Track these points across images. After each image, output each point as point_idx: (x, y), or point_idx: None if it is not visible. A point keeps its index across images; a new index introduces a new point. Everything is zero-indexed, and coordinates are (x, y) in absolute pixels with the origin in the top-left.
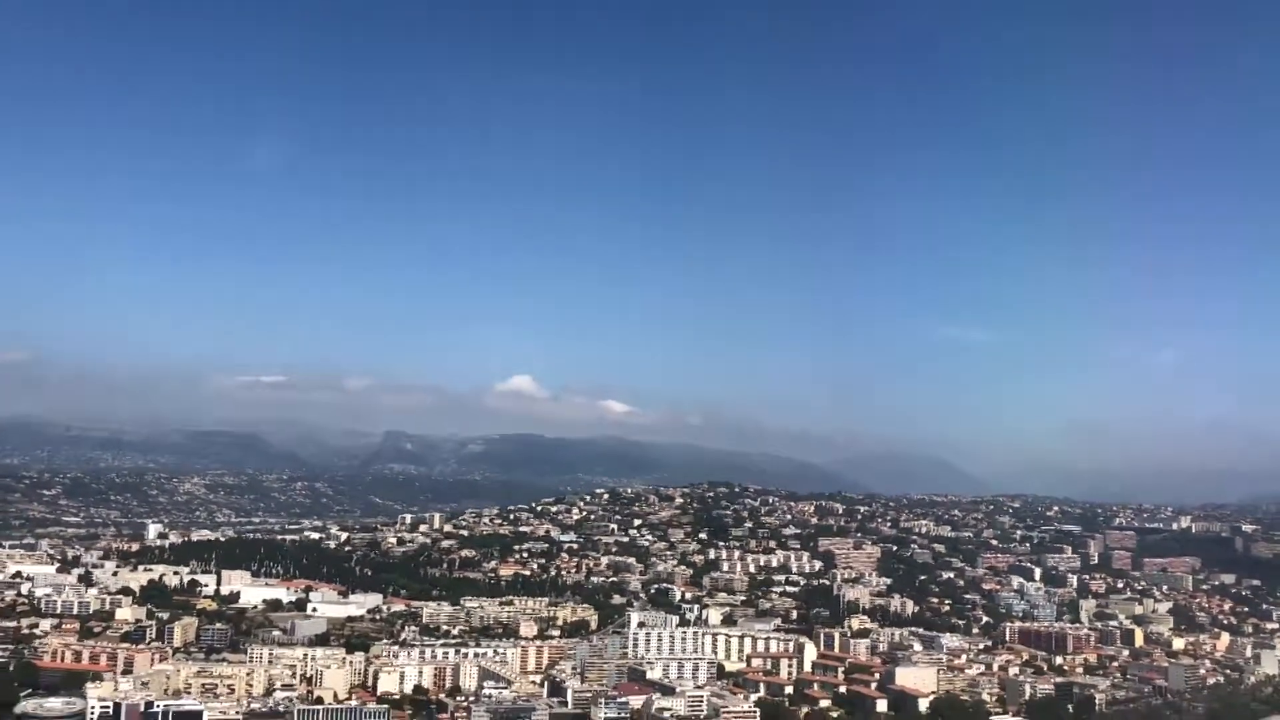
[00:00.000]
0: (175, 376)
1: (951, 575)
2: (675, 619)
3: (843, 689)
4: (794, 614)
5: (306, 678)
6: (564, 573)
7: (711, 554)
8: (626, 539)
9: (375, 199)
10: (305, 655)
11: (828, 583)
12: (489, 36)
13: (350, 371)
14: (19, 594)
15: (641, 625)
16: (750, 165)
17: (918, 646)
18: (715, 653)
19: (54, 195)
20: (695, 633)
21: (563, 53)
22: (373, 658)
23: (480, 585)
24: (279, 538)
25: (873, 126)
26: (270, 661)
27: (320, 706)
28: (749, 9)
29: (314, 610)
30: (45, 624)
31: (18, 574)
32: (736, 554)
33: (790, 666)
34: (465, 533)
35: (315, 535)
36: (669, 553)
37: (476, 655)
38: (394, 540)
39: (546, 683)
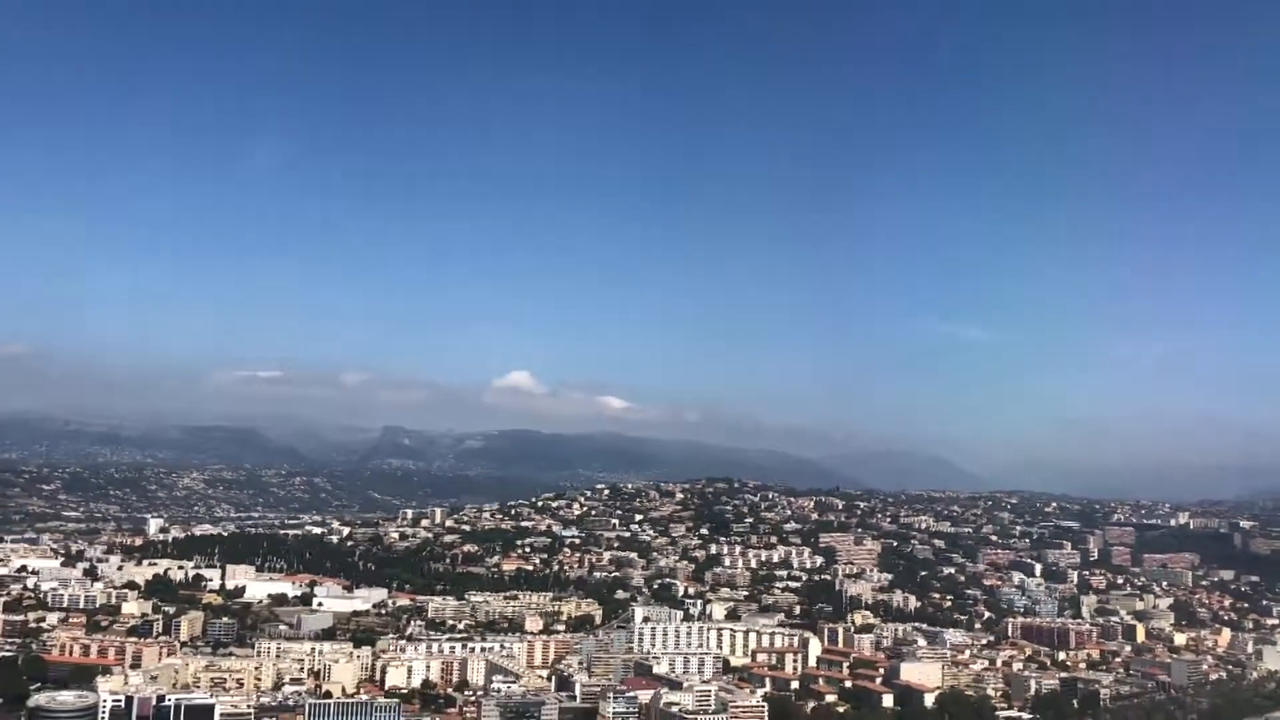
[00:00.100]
0: (173, 372)
1: (952, 571)
2: (679, 614)
3: (848, 684)
4: (797, 609)
5: (315, 672)
6: (566, 568)
7: (713, 549)
8: (628, 534)
9: (375, 199)
10: (313, 649)
11: (829, 578)
12: (489, 36)
13: (347, 367)
14: (25, 588)
15: (646, 620)
16: (750, 165)
17: (921, 642)
18: (720, 647)
19: (54, 193)
20: (700, 627)
21: (563, 53)
22: (380, 652)
23: (483, 580)
24: (281, 532)
25: (873, 126)
26: (278, 656)
27: (330, 701)
28: (749, 9)
29: (319, 605)
30: (52, 618)
31: (23, 568)
32: (738, 549)
33: (795, 661)
34: (467, 528)
35: (317, 530)
36: (670, 548)
37: (484, 650)
38: (396, 535)
39: (554, 677)
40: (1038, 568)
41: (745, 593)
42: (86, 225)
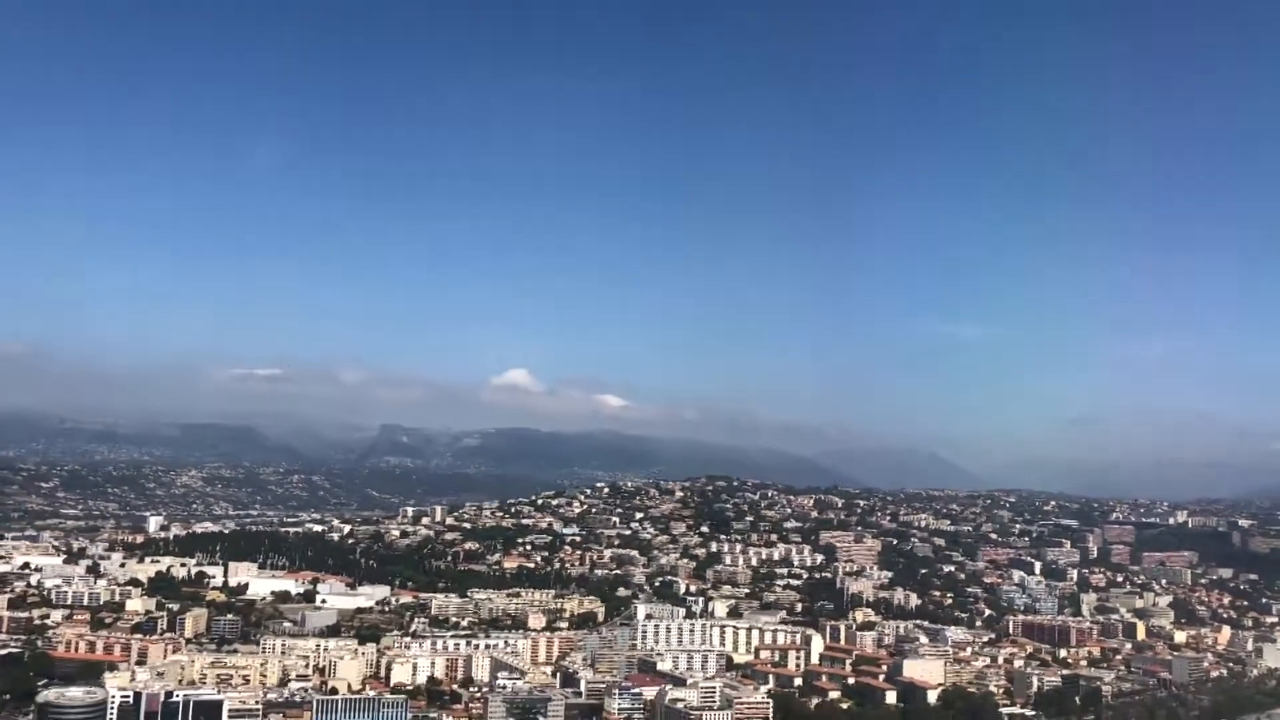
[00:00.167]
0: (171, 370)
1: (952, 569)
2: (681, 611)
3: (851, 680)
4: (798, 607)
5: (320, 668)
6: (568, 565)
7: (714, 547)
8: (629, 532)
9: (375, 199)
10: (318, 646)
11: (830, 576)
12: (489, 36)
13: (346, 365)
14: (29, 585)
15: (649, 617)
16: (750, 165)
17: (923, 639)
18: (723, 644)
19: (54, 193)
20: (702, 625)
21: (563, 53)
22: (385, 649)
23: (485, 577)
24: (282, 530)
25: (872, 127)
26: (284, 652)
27: (337, 697)
28: (749, 9)
29: (323, 602)
30: (56, 615)
31: (26, 565)
32: (738, 547)
33: (798, 658)
34: (467, 525)
35: (318, 528)
36: (671, 546)
37: (488, 646)
38: (397, 533)
39: (559, 673)
40: (1037, 566)
41: (746, 590)
42: (86, 225)
